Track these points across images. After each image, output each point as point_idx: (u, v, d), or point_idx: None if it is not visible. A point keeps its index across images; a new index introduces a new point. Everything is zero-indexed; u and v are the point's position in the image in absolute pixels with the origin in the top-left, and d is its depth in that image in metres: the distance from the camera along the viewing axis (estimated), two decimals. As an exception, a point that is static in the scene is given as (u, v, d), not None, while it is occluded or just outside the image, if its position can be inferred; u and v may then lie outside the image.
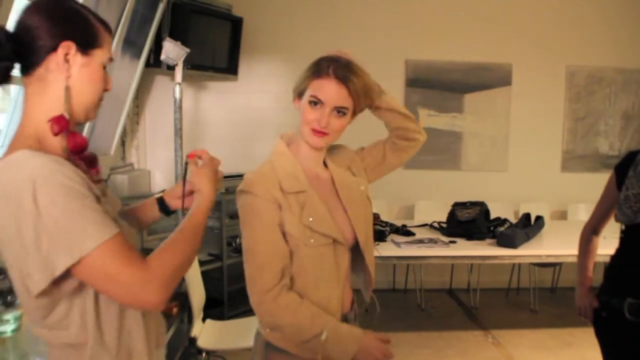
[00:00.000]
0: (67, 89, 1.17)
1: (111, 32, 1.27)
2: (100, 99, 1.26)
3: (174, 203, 1.53)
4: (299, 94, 1.55)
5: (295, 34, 4.95)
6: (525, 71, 5.40)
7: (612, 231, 2.27)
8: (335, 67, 1.50)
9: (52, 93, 1.18)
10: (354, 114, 1.57)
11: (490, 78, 5.40)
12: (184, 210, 1.41)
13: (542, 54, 5.39)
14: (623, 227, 2.12)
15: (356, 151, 1.76)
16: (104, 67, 1.24)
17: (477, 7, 5.31)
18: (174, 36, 3.43)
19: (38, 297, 1.09)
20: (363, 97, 1.55)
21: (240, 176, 1.60)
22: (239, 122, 5.11)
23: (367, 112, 1.69)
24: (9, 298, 1.99)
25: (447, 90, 5.36)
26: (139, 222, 1.54)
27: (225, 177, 4.05)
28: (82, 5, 1.22)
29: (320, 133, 1.51)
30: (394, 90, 5.27)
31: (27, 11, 1.16)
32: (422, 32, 5.29)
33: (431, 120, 5.36)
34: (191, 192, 1.41)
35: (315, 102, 1.50)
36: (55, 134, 1.16)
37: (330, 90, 1.49)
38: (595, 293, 2.20)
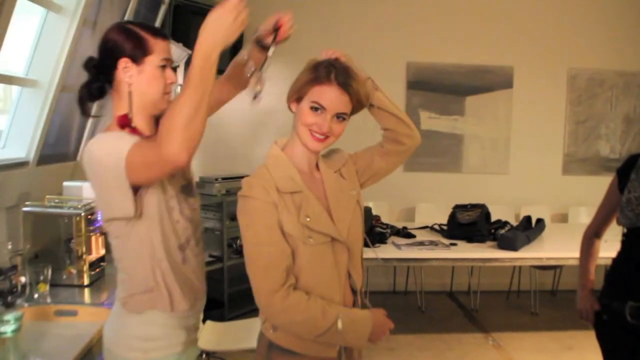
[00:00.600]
0: (129, 94, 1.54)
1: (164, 36, 1.59)
2: (167, 92, 1.59)
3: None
4: (297, 98, 1.55)
5: (297, 36, 4.92)
6: (527, 74, 5.40)
7: (613, 234, 2.27)
8: (335, 73, 1.50)
9: (123, 98, 1.55)
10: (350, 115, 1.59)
11: (491, 81, 5.40)
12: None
13: (544, 56, 5.39)
14: (625, 230, 2.12)
15: (350, 154, 1.75)
16: (164, 66, 1.56)
17: (479, 10, 5.31)
18: (176, 38, 3.44)
19: (120, 221, 1.52)
20: (362, 102, 1.57)
21: (241, 178, 1.60)
22: (240, 123, 5.12)
23: (366, 115, 1.69)
24: (9, 298, 1.99)
25: (448, 92, 5.36)
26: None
27: (226, 178, 4.07)
28: (133, 24, 1.58)
29: (321, 138, 1.52)
30: (395, 93, 5.29)
31: (100, 42, 1.57)
32: (423, 34, 5.29)
33: (432, 123, 5.36)
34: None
35: (316, 108, 1.50)
36: (121, 128, 1.54)
37: (332, 96, 1.50)
38: (596, 296, 2.19)
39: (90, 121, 3.49)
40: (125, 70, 1.53)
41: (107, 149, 1.45)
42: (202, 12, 4.41)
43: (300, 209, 1.51)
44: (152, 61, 1.54)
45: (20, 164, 2.78)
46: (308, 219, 1.50)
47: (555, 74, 5.46)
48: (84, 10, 2.80)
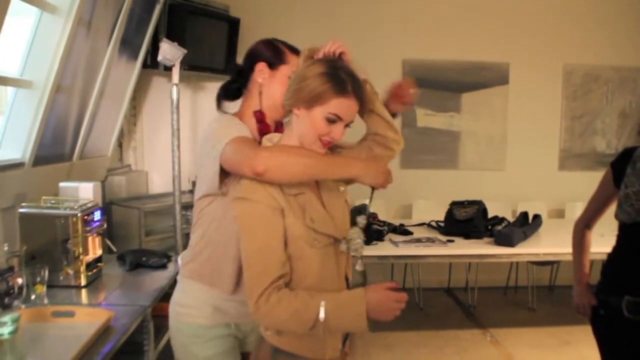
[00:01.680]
0: (260, 93, 1.77)
1: (298, 53, 1.76)
2: None
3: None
4: (308, 106, 1.50)
5: (293, 34, 4.88)
6: (523, 70, 5.40)
7: (610, 229, 2.27)
8: (353, 84, 1.50)
9: (255, 96, 1.78)
10: None
11: (487, 77, 5.40)
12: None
13: (539, 52, 5.39)
14: (621, 224, 2.11)
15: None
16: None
17: (474, 7, 5.31)
18: (171, 37, 3.42)
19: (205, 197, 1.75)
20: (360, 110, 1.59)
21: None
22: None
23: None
24: (6, 300, 1.99)
25: (444, 89, 5.36)
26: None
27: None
28: (278, 40, 1.83)
29: (328, 144, 1.53)
30: (391, 90, 5.28)
31: (247, 51, 1.83)
32: (419, 31, 5.29)
33: (428, 120, 5.36)
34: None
35: (333, 120, 1.49)
36: (258, 121, 1.76)
37: (351, 109, 1.51)
38: (592, 291, 2.19)
39: (86, 121, 3.49)
40: (260, 72, 1.76)
41: (223, 128, 1.65)
42: (197, 12, 4.41)
43: (304, 211, 1.49)
44: (285, 70, 1.75)
45: (16, 165, 2.78)
46: (313, 221, 1.49)
47: (550, 70, 5.46)
48: (79, 11, 2.80)
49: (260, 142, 1.66)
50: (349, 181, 1.68)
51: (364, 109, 1.61)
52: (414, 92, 1.88)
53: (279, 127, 1.83)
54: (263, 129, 1.75)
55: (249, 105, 1.79)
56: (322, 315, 1.41)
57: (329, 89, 1.47)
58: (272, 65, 1.77)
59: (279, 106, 1.71)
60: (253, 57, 1.79)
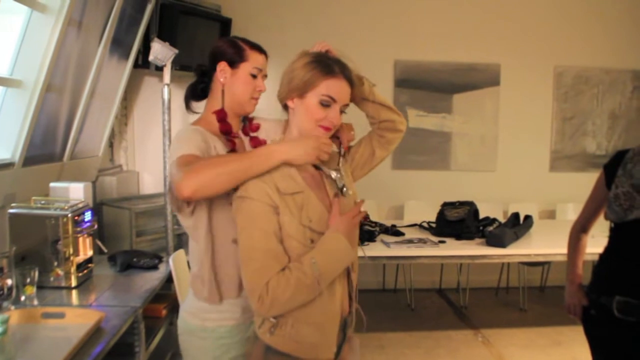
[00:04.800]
0: (222, 92, 1.80)
1: (261, 51, 1.82)
2: (254, 98, 1.83)
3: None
4: (301, 94, 1.54)
5: (285, 34, 4.94)
6: (514, 71, 5.42)
7: (600, 230, 2.29)
8: (341, 67, 1.55)
9: (218, 95, 1.81)
10: None
11: (478, 78, 5.42)
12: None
13: (530, 54, 5.42)
14: (612, 225, 2.13)
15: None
16: (254, 76, 1.80)
17: (465, 8, 5.33)
18: (163, 37, 3.41)
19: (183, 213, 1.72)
20: (352, 97, 1.62)
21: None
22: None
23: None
24: (-5, 301, 1.97)
25: (435, 90, 5.37)
26: None
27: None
28: (238, 38, 1.83)
29: (328, 129, 1.55)
30: (383, 91, 5.26)
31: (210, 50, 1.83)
32: (411, 32, 5.30)
33: (420, 121, 5.37)
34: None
35: (327, 103, 1.52)
36: (219, 121, 1.79)
37: (342, 90, 1.54)
38: (584, 291, 2.21)
39: (76, 121, 3.47)
40: (222, 72, 1.78)
41: (179, 143, 1.66)
42: (189, 12, 4.40)
43: (301, 210, 1.49)
44: (245, 68, 1.78)
45: (6, 165, 2.76)
46: (310, 220, 1.49)
47: (541, 71, 5.49)
48: (69, 9, 2.78)
49: (226, 142, 1.75)
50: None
51: (356, 97, 1.65)
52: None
53: (250, 123, 1.91)
54: (224, 128, 1.79)
55: (213, 105, 1.82)
56: (317, 271, 1.43)
57: (317, 73, 1.52)
58: (233, 64, 1.78)
59: (242, 103, 1.80)
60: (215, 57, 1.80)
